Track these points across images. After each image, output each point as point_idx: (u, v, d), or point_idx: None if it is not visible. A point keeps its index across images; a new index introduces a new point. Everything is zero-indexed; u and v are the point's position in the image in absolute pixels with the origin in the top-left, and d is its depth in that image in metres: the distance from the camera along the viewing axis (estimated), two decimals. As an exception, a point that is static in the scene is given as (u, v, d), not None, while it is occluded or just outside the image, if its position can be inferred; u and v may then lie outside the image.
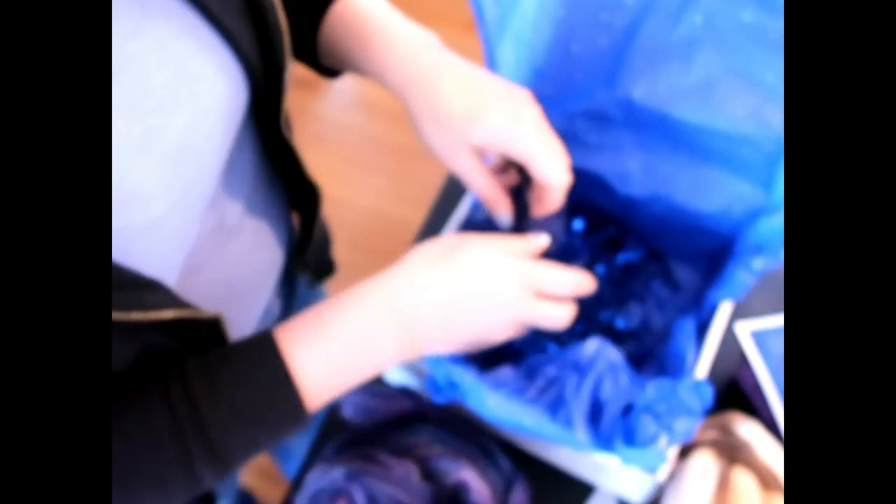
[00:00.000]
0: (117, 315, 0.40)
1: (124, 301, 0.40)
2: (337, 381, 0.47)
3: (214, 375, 0.44)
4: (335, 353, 0.46)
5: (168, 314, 0.43)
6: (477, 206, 0.71)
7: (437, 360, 0.54)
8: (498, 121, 0.52)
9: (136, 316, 0.41)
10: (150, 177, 0.41)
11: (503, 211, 0.57)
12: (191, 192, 0.46)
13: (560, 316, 0.52)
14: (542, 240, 0.54)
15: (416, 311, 0.48)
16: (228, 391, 0.44)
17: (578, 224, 0.75)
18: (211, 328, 0.48)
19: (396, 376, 0.70)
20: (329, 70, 0.62)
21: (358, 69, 0.58)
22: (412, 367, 0.66)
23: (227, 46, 0.46)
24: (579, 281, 0.53)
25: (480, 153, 0.54)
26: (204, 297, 0.51)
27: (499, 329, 0.51)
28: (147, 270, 0.42)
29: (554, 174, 0.53)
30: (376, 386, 0.66)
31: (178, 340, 0.46)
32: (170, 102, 0.42)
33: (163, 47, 0.42)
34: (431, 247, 0.51)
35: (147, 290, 0.42)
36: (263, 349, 0.45)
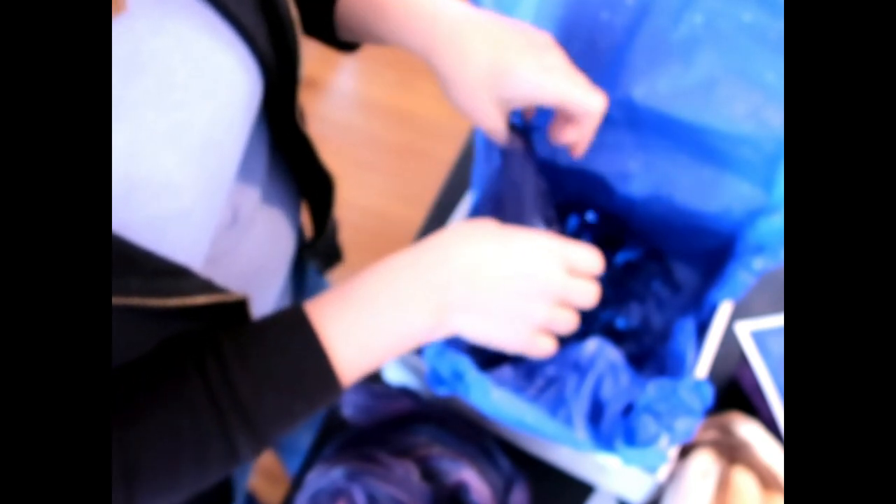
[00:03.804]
0: (155, 301, 0.41)
1: (160, 288, 0.42)
2: (369, 351, 0.47)
3: (246, 346, 0.45)
4: (364, 321, 0.46)
5: (202, 299, 0.44)
6: (477, 207, 0.71)
7: (440, 352, 0.54)
8: (525, 74, 0.52)
9: (174, 302, 0.42)
10: (178, 168, 0.43)
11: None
12: (214, 183, 0.47)
13: (592, 291, 0.50)
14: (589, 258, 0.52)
15: (442, 275, 0.47)
16: (259, 360, 0.44)
17: (574, 222, 0.75)
18: (237, 311, 0.49)
19: (396, 376, 0.70)
20: (346, 44, 0.62)
21: (378, 38, 0.58)
22: (412, 367, 0.66)
23: (243, 42, 0.48)
24: (598, 259, 0.52)
25: (507, 106, 0.55)
26: None
27: (534, 302, 0.48)
28: (177, 258, 0.44)
29: (592, 104, 0.54)
30: (376, 386, 0.66)
31: (206, 324, 0.47)
32: (193, 97, 0.44)
33: (184, 44, 0.43)
34: (467, 223, 0.51)
35: (181, 276, 0.43)
36: (294, 319, 0.46)
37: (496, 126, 0.56)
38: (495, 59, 0.52)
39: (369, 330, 0.46)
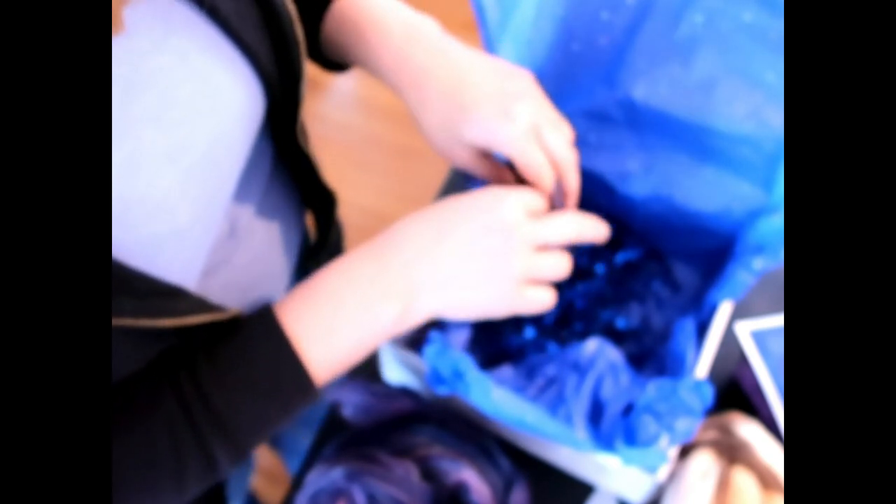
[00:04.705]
0: (146, 322, 0.41)
1: (153, 308, 0.41)
2: (339, 347, 0.46)
3: (218, 354, 0.44)
4: (330, 318, 0.45)
5: (195, 319, 0.44)
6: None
7: (441, 351, 0.54)
8: (480, 121, 0.50)
9: (167, 322, 0.42)
10: (175, 187, 0.42)
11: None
12: (212, 201, 0.47)
13: (567, 224, 0.48)
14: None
15: (399, 260, 0.46)
16: (230, 366, 0.44)
17: None
18: (231, 327, 0.48)
19: (396, 376, 0.70)
20: (336, 64, 0.62)
21: (358, 63, 0.58)
22: (412, 367, 0.66)
23: (245, 60, 0.47)
24: (547, 176, 0.50)
25: (476, 150, 0.54)
26: (218, 300, 0.51)
27: (505, 255, 0.46)
28: (171, 277, 0.43)
29: (535, 176, 0.52)
30: (376, 386, 0.66)
31: (198, 339, 0.46)
32: (194, 115, 0.43)
33: (186, 61, 0.43)
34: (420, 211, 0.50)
35: (175, 297, 0.43)
36: (262, 323, 0.45)
37: (465, 164, 0.54)
38: (455, 106, 0.51)
39: (336, 326, 0.45)
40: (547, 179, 0.52)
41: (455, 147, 0.53)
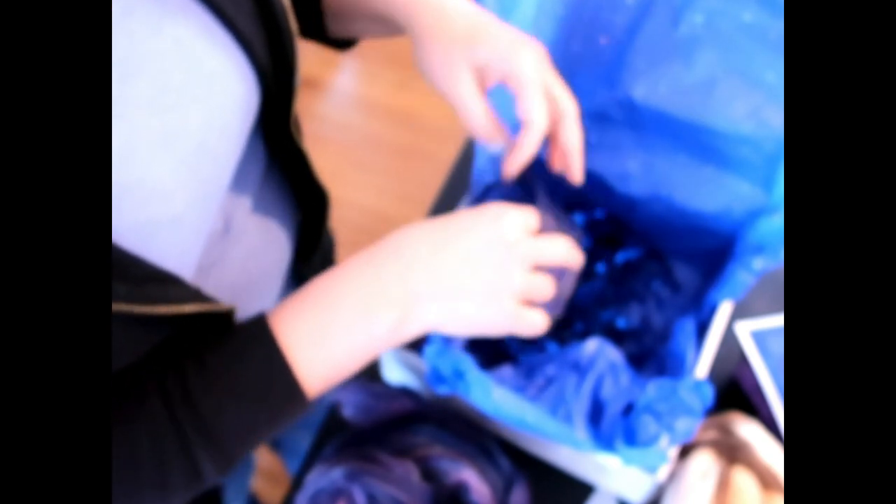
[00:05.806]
0: (142, 309, 0.40)
1: (148, 295, 0.41)
2: (335, 357, 0.45)
3: (206, 357, 0.44)
4: (325, 325, 0.45)
5: (190, 308, 0.43)
6: (475, 204, 0.71)
7: (441, 350, 0.54)
8: (503, 39, 0.51)
9: (161, 310, 0.41)
10: (170, 173, 0.42)
11: (498, 139, 0.54)
12: (206, 190, 0.46)
13: (561, 246, 0.49)
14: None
15: (397, 267, 0.45)
16: (219, 370, 0.43)
17: (579, 219, 0.75)
18: (225, 321, 0.48)
19: (396, 376, 0.70)
20: (341, 42, 0.62)
21: (364, 13, 0.57)
22: (412, 367, 0.66)
23: (240, 49, 0.47)
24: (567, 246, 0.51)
25: (481, 81, 0.53)
26: None
27: (507, 269, 0.46)
28: (167, 265, 0.43)
29: (533, 113, 0.51)
30: (376, 386, 0.66)
31: (191, 333, 0.46)
32: (188, 100, 0.43)
33: (181, 47, 0.42)
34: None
35: (170, 284, 0.42)
36: (253, 328, 0.45)
37: (460, 97, 0.52)
38: (474, 22, 0.51)
39: (330, 332, 0.45)
40: (542, 122, 0.51)
41: (455, 77, 0.52)
